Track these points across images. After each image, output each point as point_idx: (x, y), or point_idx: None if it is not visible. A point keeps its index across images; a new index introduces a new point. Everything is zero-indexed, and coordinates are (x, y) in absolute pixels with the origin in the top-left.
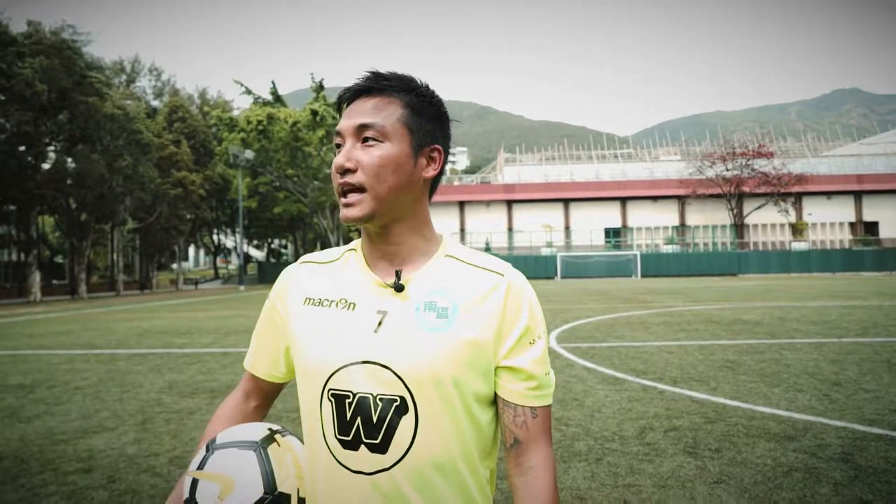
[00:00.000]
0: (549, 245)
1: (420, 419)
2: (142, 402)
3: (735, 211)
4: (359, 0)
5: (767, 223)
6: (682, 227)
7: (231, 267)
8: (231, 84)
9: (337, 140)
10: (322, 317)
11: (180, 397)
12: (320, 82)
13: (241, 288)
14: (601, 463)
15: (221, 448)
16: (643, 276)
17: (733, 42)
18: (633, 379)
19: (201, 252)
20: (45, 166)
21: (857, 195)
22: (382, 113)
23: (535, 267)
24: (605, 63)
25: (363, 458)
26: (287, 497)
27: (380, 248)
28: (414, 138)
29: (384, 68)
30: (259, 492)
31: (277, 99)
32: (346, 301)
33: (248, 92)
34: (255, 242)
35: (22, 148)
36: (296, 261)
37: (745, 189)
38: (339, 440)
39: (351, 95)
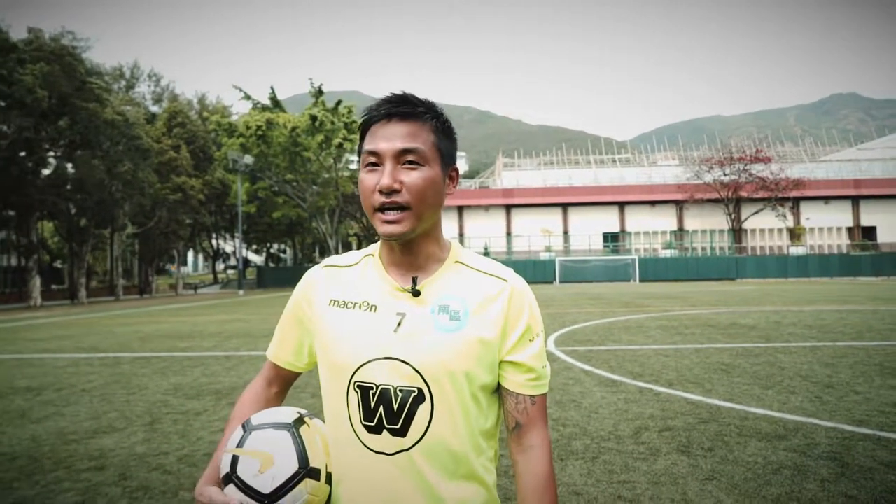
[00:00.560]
0: (548, 249)
1: (435, 407)
2: (148, 403)
3: (733, 216)
4: (356, 4)
5: (765, 228)
6: (680, 231)
7: (230, 271)
8: (230, 89)
9: (372, 159)
10: (347, 317)
11: (186, 399)
12: (319, 87)
13: (241, 292)
14: (597, 461)
15: (258, 429)
16: (641, 280)
17: (732, 47)
18: (629, 381)
19: (200, 257)
20: (45, 172)
21: (855, 200)
22: (420, 138)
23: (534, 271)
24: (603, 67)
25: (385, 440)
26: (317, 471)
27: (401, 256)
28: (443, 160)
29: (382, 73)
30: (294, 466)
31: (276, 104)
32: (369, 303)
33: (248, 97)
34: (254, 247)
35: (22, 154)
36: (296, 265)
37: (743, 194)
38: (365, 425)
39: (382, 117)
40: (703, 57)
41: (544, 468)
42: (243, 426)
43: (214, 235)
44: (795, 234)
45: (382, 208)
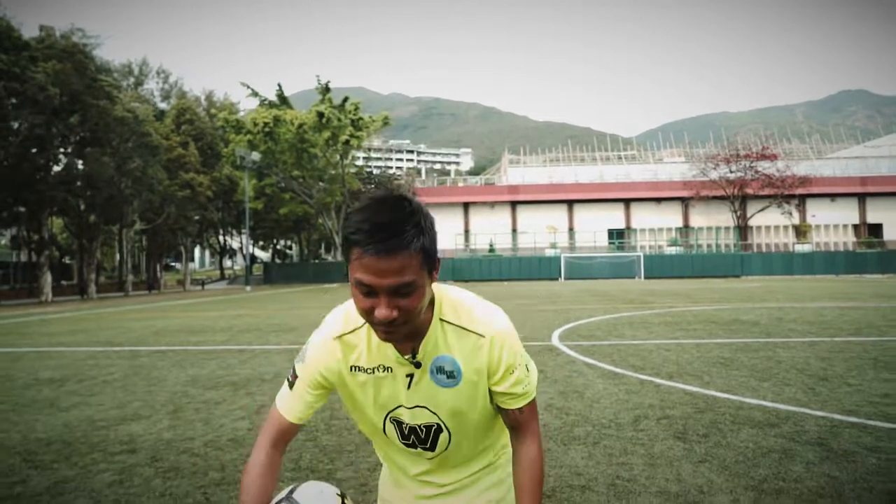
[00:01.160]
0: (553, 246)
1: (452, 433)
2: (169, 393)
3: (738, 213)
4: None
5: (771, 225)
6: (685, 228)
7: (237, 267)
8: (236, 85)
9: (364, 288)
10: (370, 378)
11: (205, 389)
12: (326, 84)
13: (248, 288)
14: (598, 446)
15: None
16: (647, 277)
17: (739, 43)
18: (630, 374)
19: (206, 253)
20: (56, 169)
21: (861, 197)
22: (410, 269)
23: (539, 268)
24: (609, 63)
25: (420, 451)
26: None
27: None
28: (430, 268)
29: (387, 69)
30: None
31: (283, 101)
32: (383, 366)
33: (255, 94)
34: (261, 243)
35: (34, 151)
36: (302, 261)
37: (749, 191)
38: (403, 443)
39: (370, 252)
40: (709, 53)
41: (535, 452)
42: None
43: (221, 232)
44: (801, 232)
45: (380, 324)
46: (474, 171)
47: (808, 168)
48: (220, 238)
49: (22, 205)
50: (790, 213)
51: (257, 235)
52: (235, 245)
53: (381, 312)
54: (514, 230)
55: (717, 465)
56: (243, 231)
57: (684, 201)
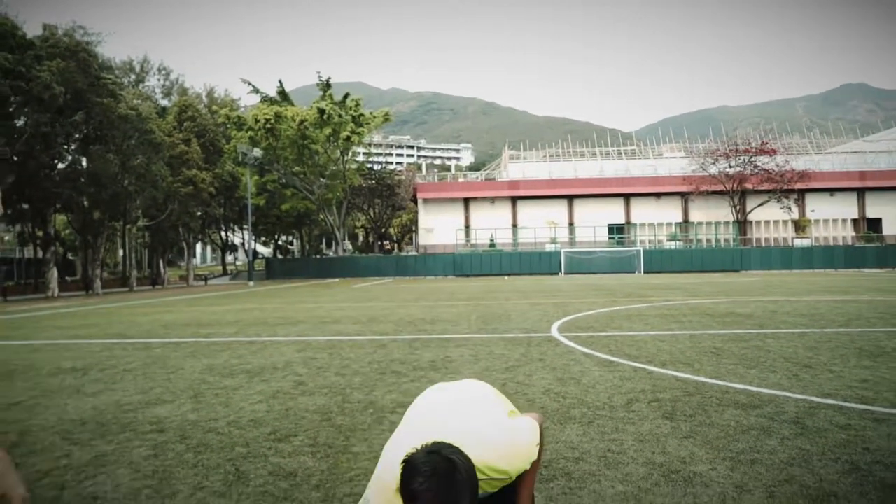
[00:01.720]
0: (554, 241)
1: None
2: (188, 381)
3: (738, 208)
4: None
5: (770, 220)
6: (685, 223)
7: (238, 263)
8: (237, 81)
9: None
10: None
11: (221, 377)
12: (327, 81)
13: (251, 284)
14: (592, 425)
15: None
16: (646, 271)
17: (739, 36)
18: (625, 362)
19: (208, 249)
20: (61, 166)
21: (861, 192)
22: None
23: (540, 263)
24: (609, 58)
25: None
26: None
27: None
28: None
29: (386, 63)
30: None
31: (284, 97)
32: None
33: (256, 91)
34: (263, 239)
35: (38, 149)
36: (304, 256)
37: (748, 186)
38: None
39: None
40: (710, 46)
41: None
42: None
43: (224, 228)
44: (800, 226)
45: None
46: (475, 167)
47: (807, 163)
48: (223, 234)
49: (27, 202)
50: (789, 208)
51: (259, 231)
52: (237, 241)
53: None
54: (515, 225)
55: (700, 440)
56: (245, 227)
57: (684, 196)
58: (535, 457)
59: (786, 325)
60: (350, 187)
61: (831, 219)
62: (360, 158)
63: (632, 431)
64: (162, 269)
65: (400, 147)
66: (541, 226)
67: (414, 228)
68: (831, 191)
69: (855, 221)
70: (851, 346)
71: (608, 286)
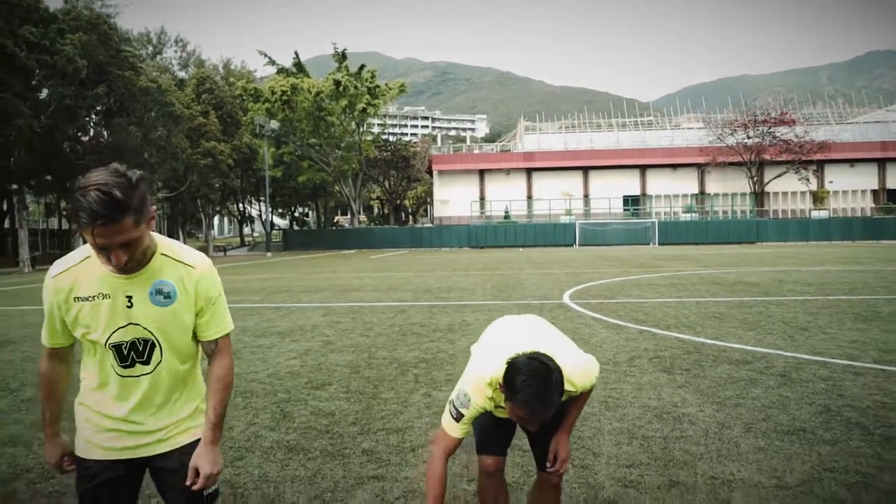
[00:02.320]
0: (568, 213)
1: (164, 348)
2: None
3: (755, 179)
4: None
5: (788, 191)
6: (701, 195)
7: (255, 234)
8: (252, 52)
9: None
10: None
11: (255, 337)
12: (343, 52)
13: (269, 254)
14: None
15: None
16: (661, 243)
17: (763, 2)
18: (632, 325)
19: (225, 220)
20: (84, 139)
21: (882, 162)
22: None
23: (554, 234)
24: (628, 25)
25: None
26: None
27: None
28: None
29: (400, 34)
30: None
31: (300, 69)
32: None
33: (272, 62)
34: (280, 210)
35: (63, 121)
36: (320, 228)
37: (766, 157)
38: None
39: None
40: (730, 13)
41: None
42: None
43: (241, 199)
44: (818, 198)
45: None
46: (490, 138)
47: (827, 133)
48: (240, 206)
49: (52, 174)
50: (807, 180)
51: (276, 203)
52: (254, 213)
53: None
54: (530, 197)
55: (692, 389)
56: (262, 199)
57: (700, 167)
58: (594, 382)
59: (791, 293)
60: (365, 159)
61: (850, 190)
62: (376, 130)
63: (632, 382)
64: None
65: (415, 118)
66: (556, 197)
67: (429, 200)
68: (851, 161)
69: (875, 192)
70: (850, 312)
71: (621, 257)
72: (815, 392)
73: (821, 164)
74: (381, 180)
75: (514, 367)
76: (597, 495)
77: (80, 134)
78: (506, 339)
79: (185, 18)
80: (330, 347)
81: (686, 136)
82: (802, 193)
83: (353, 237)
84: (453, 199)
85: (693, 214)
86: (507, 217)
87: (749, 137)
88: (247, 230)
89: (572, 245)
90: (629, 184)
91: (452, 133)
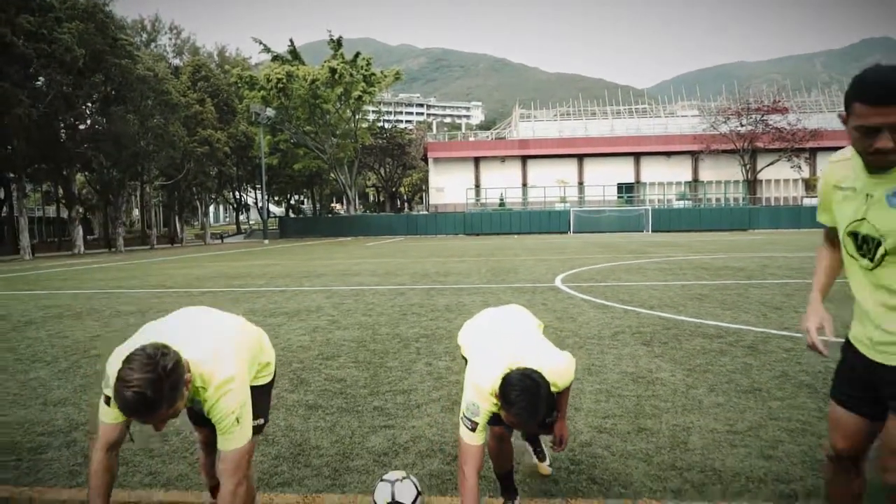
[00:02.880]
0: (563, 200)
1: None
2: None
3: (748, 166)
4: None
5: (780, 179)
6: (694, 182)
7: (251, 222)
8: (246, 39)
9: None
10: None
11: (264, 317)
12: (338, 40)
13: (266, 242)
14: (581, 349)
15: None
16: (654, 230)
17: None
18: (618, 305)
19: (221, 208)
20: (82, 127)
21: None
22: None
23: (549, 222)
24: (624, 11)
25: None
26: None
27: None
28: None
29: (394, 19)
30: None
31: (296, 56)
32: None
33: (267, 50)
34: (276, 198)
35: (61, 109)
36: (315, 215)
37: (759, 144)
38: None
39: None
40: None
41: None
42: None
43: (237, 187)
44: (810, 185)
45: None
46: (485, 125)
47: (820, 121)
48: (236, 193)
49: (50, 162)
50: (800, 167)
51: (272, 191)
52: (250, 200)
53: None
54: (525, 184)
55: (667, 358)
56: (258, 186)
57: (694, 155)
58: (572, 378)
59: (773, 277)
60: (361, 146)
61: None
62: (371, 117)
63: (613, 353)
64: (179, 228)
65: (410, 105)
66: (550, 185)
67: (424, 188)
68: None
69: None
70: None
71: (614, 244)
72: (776, 360)
73: (813, 152)
74: (377, 168)
75: (508, 382)
76: (575, 439)
77: (77, 122)
78: (494, 342)
79: (179, 5)
80: (336, 325)
81: (680, 123)
82: (795, 181)
83: (349, 224)
84: (449, 187)
85: (686, 202)
86: (502, 204)
87: (742, 125)
88: (242, 218)
89: (567, 232)
90: (623, 171)
91: (448, 120)
